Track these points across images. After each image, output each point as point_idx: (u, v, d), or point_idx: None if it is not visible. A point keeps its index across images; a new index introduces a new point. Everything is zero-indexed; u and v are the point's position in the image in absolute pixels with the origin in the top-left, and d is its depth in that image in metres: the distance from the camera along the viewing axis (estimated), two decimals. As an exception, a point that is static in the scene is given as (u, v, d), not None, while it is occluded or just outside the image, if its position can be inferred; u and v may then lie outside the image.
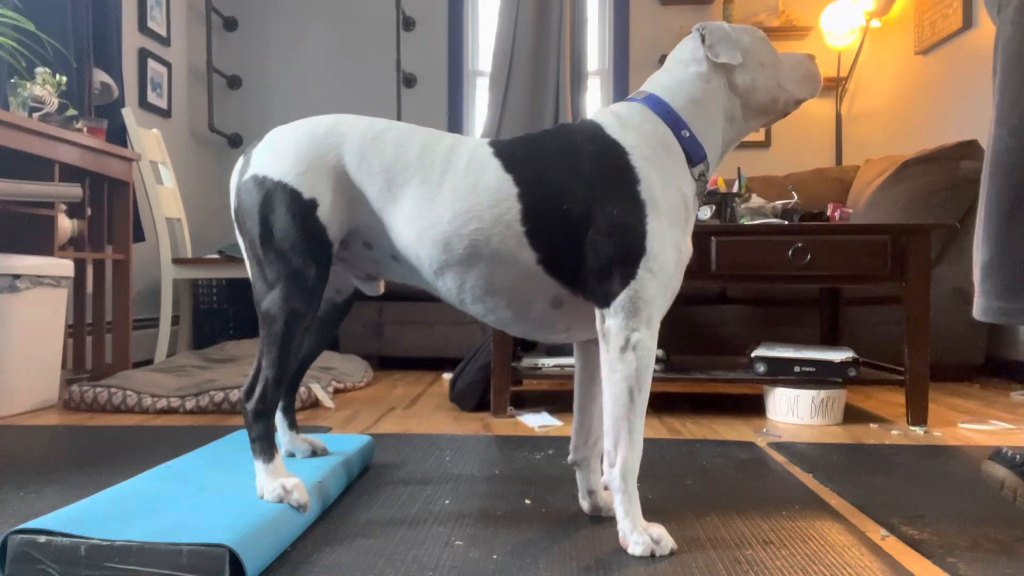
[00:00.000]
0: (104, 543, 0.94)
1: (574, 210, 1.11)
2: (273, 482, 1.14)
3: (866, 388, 2.87)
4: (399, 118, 4.46)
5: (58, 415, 2.24)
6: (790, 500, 1.38)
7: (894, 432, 2.04)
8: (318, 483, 1.25)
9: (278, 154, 1.17)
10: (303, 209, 1.14)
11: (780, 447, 1.83)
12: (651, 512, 1.30)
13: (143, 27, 3.83)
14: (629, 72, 4.53)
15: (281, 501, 1.12)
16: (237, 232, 1.22)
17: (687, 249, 1.16)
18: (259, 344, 1.17)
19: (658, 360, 2.33)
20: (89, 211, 2.86)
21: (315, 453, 1.42)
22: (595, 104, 4.62)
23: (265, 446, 1.16)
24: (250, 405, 1.17)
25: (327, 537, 1.15)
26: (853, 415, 2.29)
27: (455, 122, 4.55)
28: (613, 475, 1.11)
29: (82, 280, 2.93)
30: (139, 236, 3.46)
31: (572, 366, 2.34)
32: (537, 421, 2.13)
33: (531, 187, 1.13)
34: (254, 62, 4.57)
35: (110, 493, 1.14)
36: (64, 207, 2.69)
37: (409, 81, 4.53)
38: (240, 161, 1.23)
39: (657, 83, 1.22)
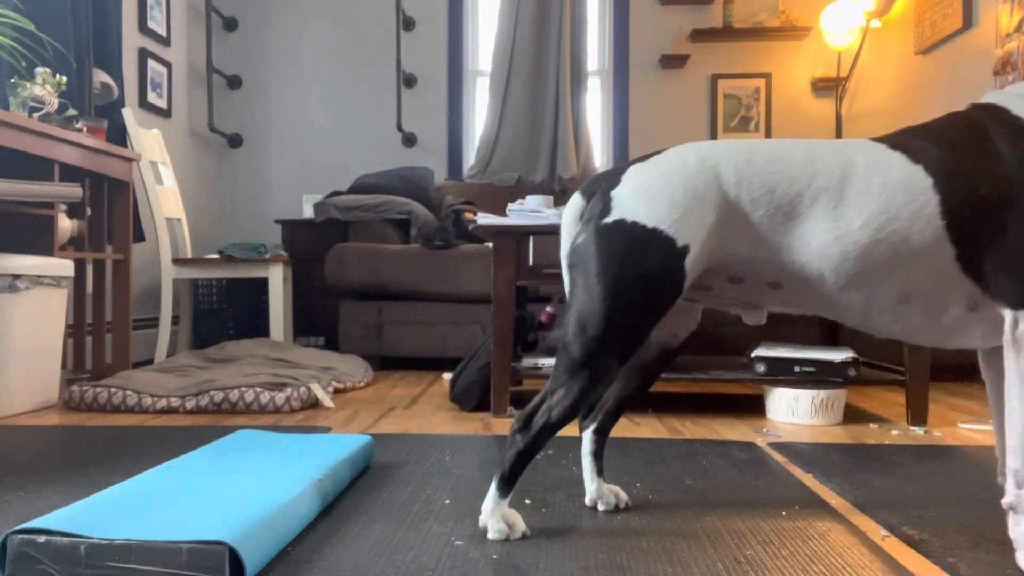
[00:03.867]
0: (104, 542, 0.94)
1: (993, 198, 1.00)
2: (499, 522, 1.13)
3: (866, 388, 2.87)
4: (399, 118, 4.47)
5: (58, 415, 2.24)
6: (790, 500, 1.38)
7: (894, 432, 2.04)
8: (318, 482, 1.25)
9: (651, 197, 1.09)
10: (673, 258, 1.07)
11: (780, 447, 1.83)
12: (652, 512, 1.30)
13: (143, 27, 3.83)
14: (629, 72, 4.53)
15: (507, 539, 1.13)
16: (565, 267, 1.16)
17: None
18: (554, 379, 1.12)
19: (658, 360, 2.32)
20: (89, 211, 2.86)
21: (618, 507, 1.31)
22: (595, 104, 4.62)
23: (512, 482, 1.14)
24: (522, 438, 1.12)
25: (327, 537, 1.15)
26: (853, 415, 2.29)
27: (455, 122, 4.56)
28: (1022, 496, 1.00)
29: (82, 280, 2.94)
30: (139, 236, 3.46)
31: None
32: (537, 421, 2.13)
33: (944, 176, 1.03)
34: (254, 62, 4.57)
35: (110, 493, 1.14)
36: (64, 207, 2.69)
37: (409, 81, 4.53)
38: (580, 203, 1.18)
39: None
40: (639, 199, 1.10)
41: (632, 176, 1.14)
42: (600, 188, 1.16)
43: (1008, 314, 1.01)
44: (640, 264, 1.08)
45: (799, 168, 1.08)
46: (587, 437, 1.33)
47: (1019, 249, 0.99)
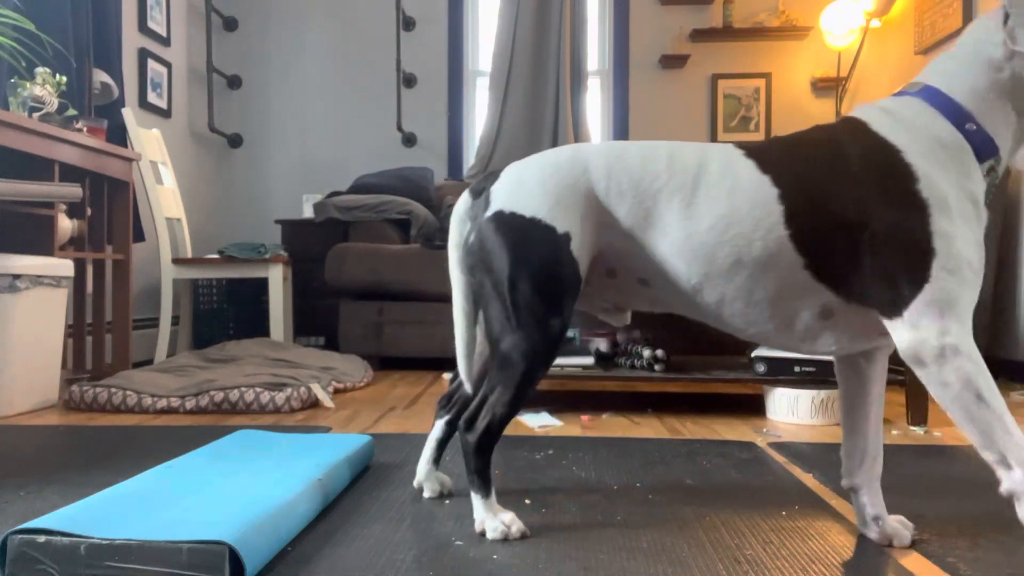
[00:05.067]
0: (104, 542, 0.94)
1: (844, 212, 1.03)
2: (494, 520, 1.15)
3: (866, 388, 2.86)
4: (399, 118, 4.47)
5: (58, 415, 2.24)
6: (790, 500, 1.38)
7: (894, 432, 2.04)
8: (318, 482, 1.25)
9: (525, 189, 1.14)
10: (557, 244, 1.11)
11: (780, 447, 1.83)
12: (652, 512, 1.30)
13: (143, 27, 3.83)
14: (629, 72, 4.53)
15: (506, 538, 1.13)
16: (469, 270, 1.19)
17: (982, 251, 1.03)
18: (490, 379, 1.15)
19: (658, 360, 2.33)
20: (89, 211, 2.86)
21: (442, 493, 1.36)
22: (595, 104, 4.62)
23: (484, 481, 1.16)
24: (472, 438, 1.14)
25: (327, 537, 1.15)
26: (853, 415, 2.29)
27: (455, 122, 4.56)
28: (1015, 479, 0.96)
29: (82, 280, 2.94)
30: (139, 236, 3.46)
31: (573, 366, 2.34)
32: (537, 421, 2.13)
33: (792, 187, 1.06)
34: (254, 62, 4.57)
35: (110, 493, 1.14)
36: (64, 207, 2.69)
37: (409, 81, 4.53)
38: (469, 198, 1.21)
39: (937, 71, 1.10)
40: (514, 191, 1.14)
41: (508, 172, 1.18)
42: (484, 187, 1.19)
43: (888, 324, 1.02)
44: (528, 253, 1.11)
45: (661, 166, 1.11)
46: (438, 424, 1.38)
47: (877, 264, 1.01)
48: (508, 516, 1.16)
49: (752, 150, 1.11)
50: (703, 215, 1.08)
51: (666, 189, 1.10)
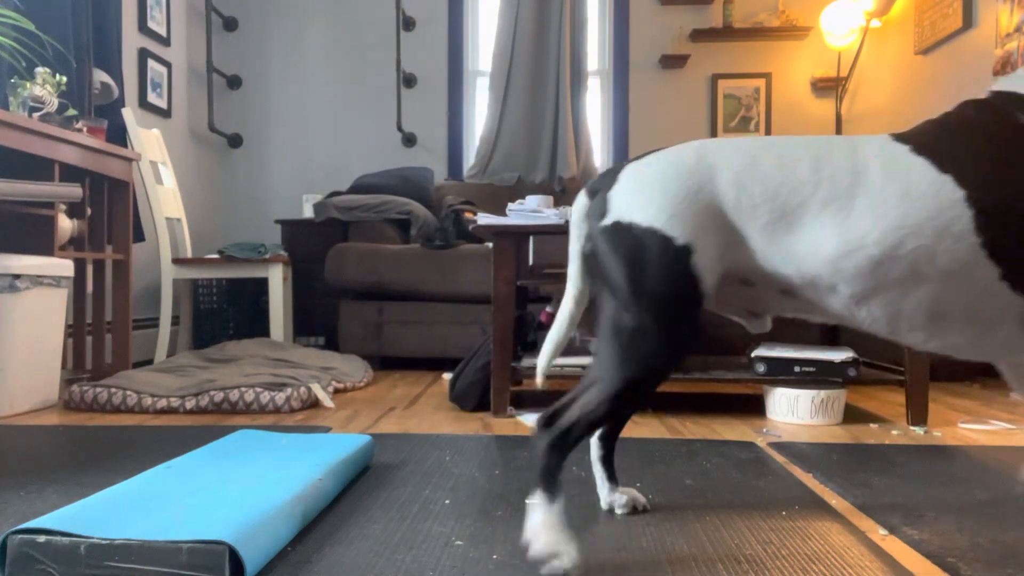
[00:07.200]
0: (104, 542, 0.94)
1: None
2: (548, 535, 1.00)
3: (866, 388, 2.87)
4: (399, 118, 4.46)
5: (58, 415, 2.24)
6: (790, 500, 1.38)
7: (894, 432, 2.04)
8: (318, 482, 1.25)
9: (643, 196, 1.05)
10: (676, 257, 1.01)
11: (780, 447, 1.83)
12: (652, 512, 1.30)
13: (143, 27, 3.83)
14: (629, 72, 4.53)
15: (549, 558, 0.99)
16: (574, 263, 1.15)
17: None
18: (587, 379, 1.09)
19: (658, 360, 2.32)
20: (89, 211, 2.86)
21: (636, 509, 1.29)
22: (595, 104, 4.61)
23: (551, 481, 1.04)
24: (549, 434, 1.05)
25: (327, 537, 1.15)
26: (853, 415, 2.29)
27: (455, 122, 4.56)
28: None
29: (82, 280, 2.93)
30: (139, 236, 3.46)
31: (572, 366, 2.33)
32: (537, 421, 2.12)
33: (980, 187, 0.92)
34: (254, 62, 4.57)
35: (110, 493, 1.14)
36: (64, 207, 2.69)
37: (409, 81, 4.53)
38: (585, 202, 1.14)
39: None
40: (633, 198, 1.06)
41: (627, 175, 1.09)
42: (600, 188, 1.12)
43: None
44: (645, 266, 1.03)
45: (804, 173, 1.00)
46: (593, 443, 1.31)
47: None
48: (559, 542, 1.00)
49: (919, 144, 0.98)
50: (868, 225, 0.96)
51: (814, 200, 0.99)
